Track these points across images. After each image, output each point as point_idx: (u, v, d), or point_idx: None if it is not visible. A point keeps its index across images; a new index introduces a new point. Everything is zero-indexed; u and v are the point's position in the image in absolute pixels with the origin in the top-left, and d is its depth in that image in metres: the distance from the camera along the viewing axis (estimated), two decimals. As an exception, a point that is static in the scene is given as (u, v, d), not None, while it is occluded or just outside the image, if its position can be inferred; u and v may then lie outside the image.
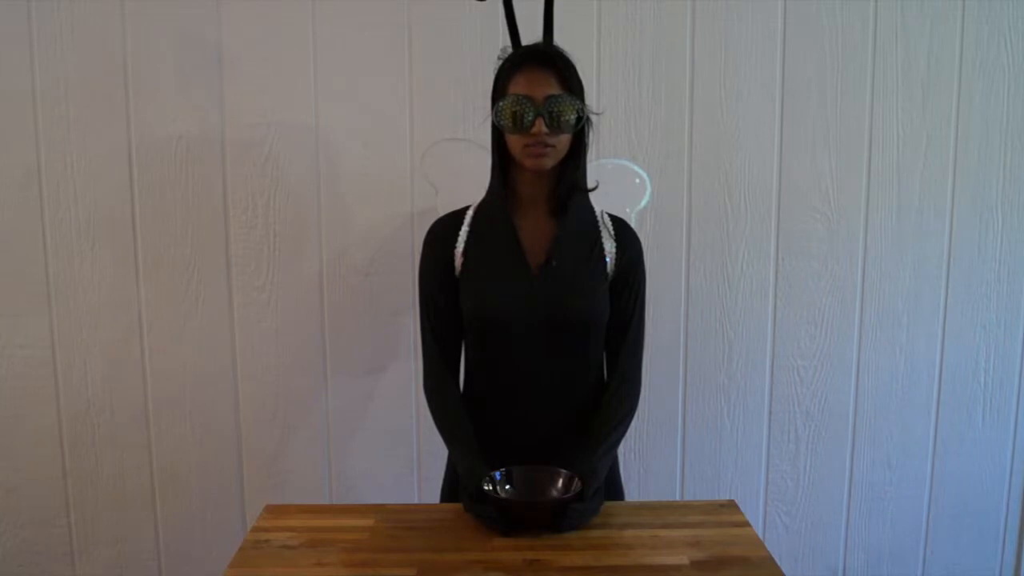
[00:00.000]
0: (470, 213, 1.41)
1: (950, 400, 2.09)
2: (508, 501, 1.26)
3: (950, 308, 2.06)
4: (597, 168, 1.49)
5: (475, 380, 1.43)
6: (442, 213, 1.44)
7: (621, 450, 1.47)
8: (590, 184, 1.38)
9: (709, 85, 1.94)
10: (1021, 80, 1.97)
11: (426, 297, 1.41)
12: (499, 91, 1.31)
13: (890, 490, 2.12)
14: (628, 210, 1.67)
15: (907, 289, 2.04)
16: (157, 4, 1.86)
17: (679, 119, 1.95)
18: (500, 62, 1.34)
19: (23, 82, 1.86)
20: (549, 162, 1.30)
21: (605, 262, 1.37)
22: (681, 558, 1.15)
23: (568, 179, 1.34)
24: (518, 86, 1.27)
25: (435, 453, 1.87)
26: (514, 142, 1.29)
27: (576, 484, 1.25)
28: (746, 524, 1.26)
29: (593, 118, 1.35)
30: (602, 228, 1.40)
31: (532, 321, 1.33)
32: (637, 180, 1.74)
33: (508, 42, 1.38)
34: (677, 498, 2.08)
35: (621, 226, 1.42)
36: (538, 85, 1.27)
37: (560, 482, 1.28)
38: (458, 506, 1.31)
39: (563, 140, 1.29)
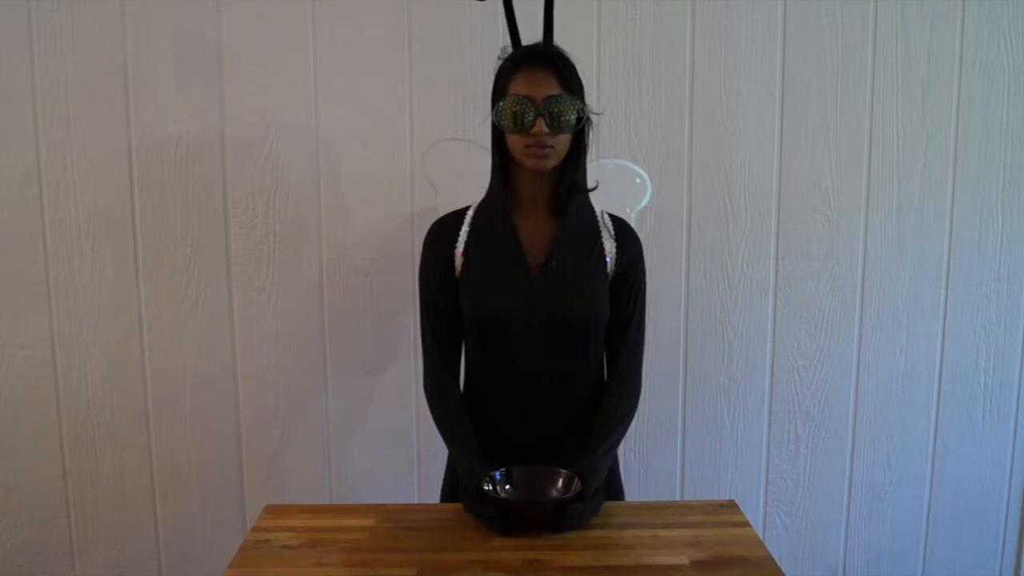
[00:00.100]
0: (470, 213, 1.41)
1: (950, 400, 2.09)
2: (508, 501, 1.26)
3: (950, 308, 2.05)
4: (597, 168, 1.49)
5: (475, 380, 1.43)
6: (442, 213, 1.44)
7: (621, 450, 1.47)
8: (590, 184, 1.38)
9: (709, 85, 1.94)
10: (1021, 80, 1.97)
11: (426, 297, 1.41)
12: (499, 91, 1.31)
13: (890, 490, 2.12)
14: (628, 210, 1.67)
15: (907, 289, 2.04)
16: (157, 4, 1.86)
17: (679, 119, 1.95)
18: (500, 62, 1.33)
19: (23, 82, 1.86)
20: (550, 162, 1.30)
21: (605, 262, 1.37)
22: (681, 558, 1.15)
23: (568, 179, 1.34)
24: (518, 86, 1.27)
25: (435, 453, 1.87)
26: (514, 142, 1.29)
27: (576, 484, 1.25)
28: (746, 524, 1.26)
29: (593, 118, 1.35)
30: (602, 228, 1.40)
31: (532, 321, 1.33)
32: (637, 180, 1.74)
33: (508, 42, 1.38)
34: (677, 498, 2.08)
35: (621, 226, 1.42)
36: (538, 85, 1.27)
37: (560, 482, 1.28)
38: (458, 506, 1.31)
39: (563, 140, 1.29)
